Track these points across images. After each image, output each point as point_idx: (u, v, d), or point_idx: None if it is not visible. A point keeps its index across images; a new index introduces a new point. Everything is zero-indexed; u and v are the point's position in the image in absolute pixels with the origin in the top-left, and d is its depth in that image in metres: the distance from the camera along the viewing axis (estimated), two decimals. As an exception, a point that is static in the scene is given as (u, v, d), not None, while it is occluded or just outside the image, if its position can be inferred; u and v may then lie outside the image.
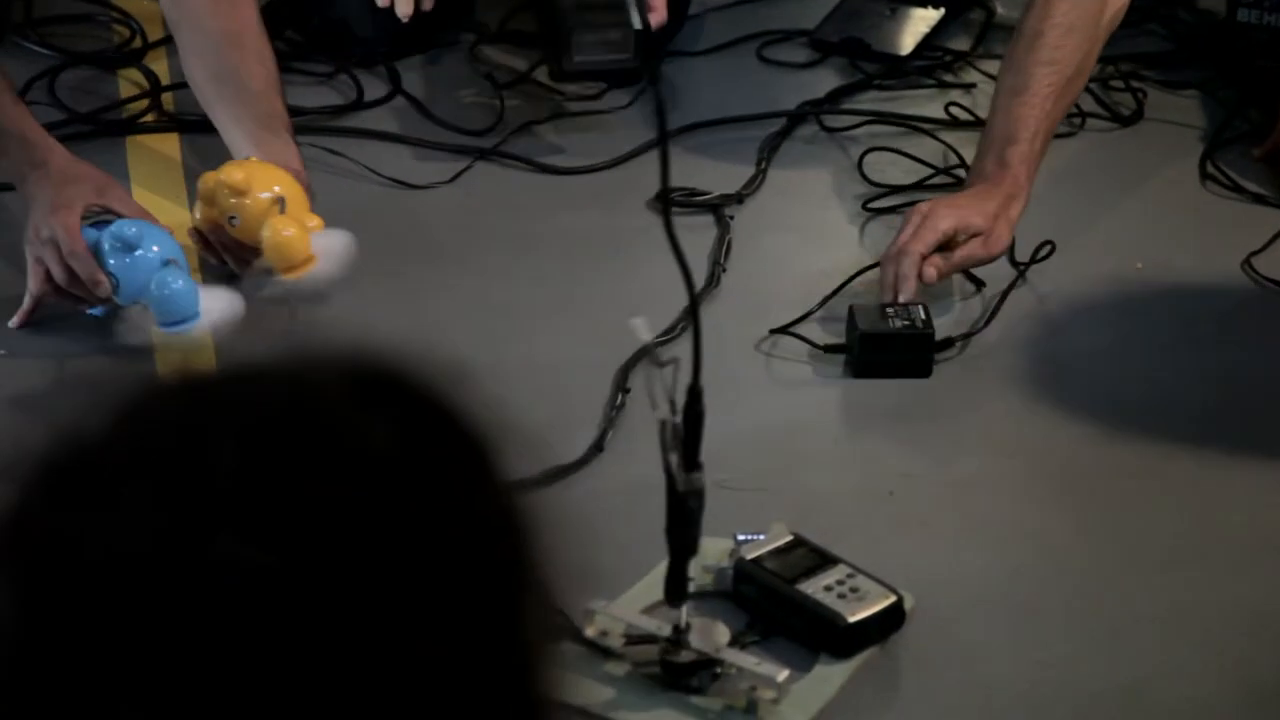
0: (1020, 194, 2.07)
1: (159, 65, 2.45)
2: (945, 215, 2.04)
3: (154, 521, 0.71)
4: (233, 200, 1.99)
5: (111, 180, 1.99)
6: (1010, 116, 2.09)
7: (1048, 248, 2.12)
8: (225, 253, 2.03)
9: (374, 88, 2.46)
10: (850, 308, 1.99)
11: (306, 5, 2.52)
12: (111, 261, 1.92)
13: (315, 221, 1.99)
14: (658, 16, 2.28)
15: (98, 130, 2.33)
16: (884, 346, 1.96)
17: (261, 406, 0.74)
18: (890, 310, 1.98)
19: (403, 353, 0.77)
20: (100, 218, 1.96)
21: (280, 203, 1.99)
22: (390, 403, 0.75)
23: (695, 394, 1.51)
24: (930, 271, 2.02)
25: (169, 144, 2.32)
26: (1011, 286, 2.09)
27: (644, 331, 1.55)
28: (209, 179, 2.01)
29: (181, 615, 0.70)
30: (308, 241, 1.99)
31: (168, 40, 2.46)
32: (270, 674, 0.70)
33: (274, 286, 1.99)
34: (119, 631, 0.70)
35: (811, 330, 2.02)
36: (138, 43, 2.50)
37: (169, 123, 2.35)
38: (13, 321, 1.96)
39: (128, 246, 1.91)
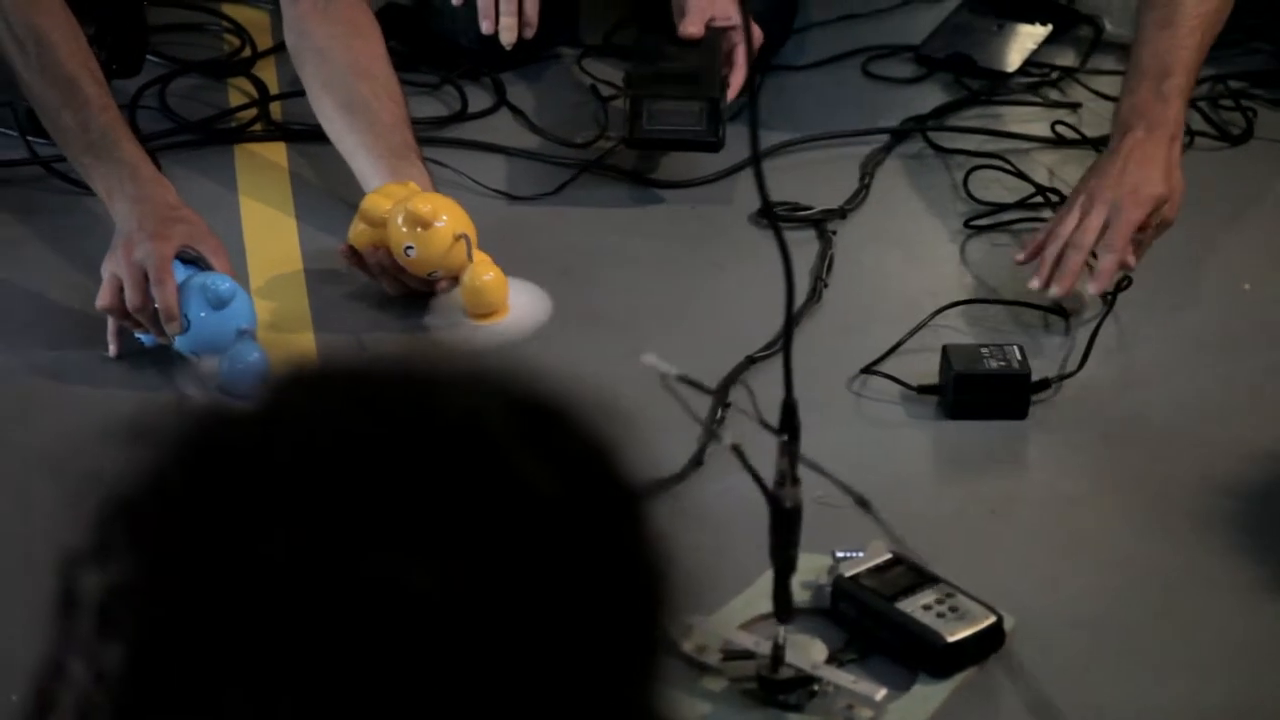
0: (1180, 133, 2.04)
1: (268, 74, 2.48)
2: (1132, 205, 1.99)
3: (307, 531, 0.71)
4: (415, 231, 1.98)
5: (210, 232, 1.99)
6: (1161, 49, 2.05)
7: (1128, 281, 2.07)
8: (381, 274, 2.03)
9: (479, 99, 2.47)
10: (944, 348, 1.96)
11: (413, 16, 2.54)
12: (192, 308, 1.91)
13: (494, 273, 2.00)
14: (732, 91, 2.28)
15: (207, 139, 2.36)
16: (979, 387, 1.93)
17: (428, 425, 0.74)
18: (985, 350, 1.96)
19: (561, 383, 0.78)
20: (191, 259, 1.95)
21: (465, 241, 2.00)
22: (553, 436, 0.76)
23: (790, 409, 1.50)
24: (1130, 260, 1.99)
25: (276, 153, 2.34)
26: (1103, 320, 2.04)
27: (661, 366, 1.54)
28: (380, 203, 2.01)
29: (327, 628, 0.70)
30: (506, 292, 2.01)
31: (277, 49, 2.48)
32: (406, 694, 0.70)
33: (461, 328, 2.00)
34: (266, 635, 0.70)
35: (905, 364, 1.99)
36: (247, 52, 2.52)
37: (276, 131, 2.37)
38: (110, 351, 1.95)
39: (216, 301, 1.90)
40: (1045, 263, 2.01)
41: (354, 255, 2.03)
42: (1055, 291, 2.00)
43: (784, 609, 1.55)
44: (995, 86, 2.51)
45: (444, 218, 2.00)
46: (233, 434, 0.74)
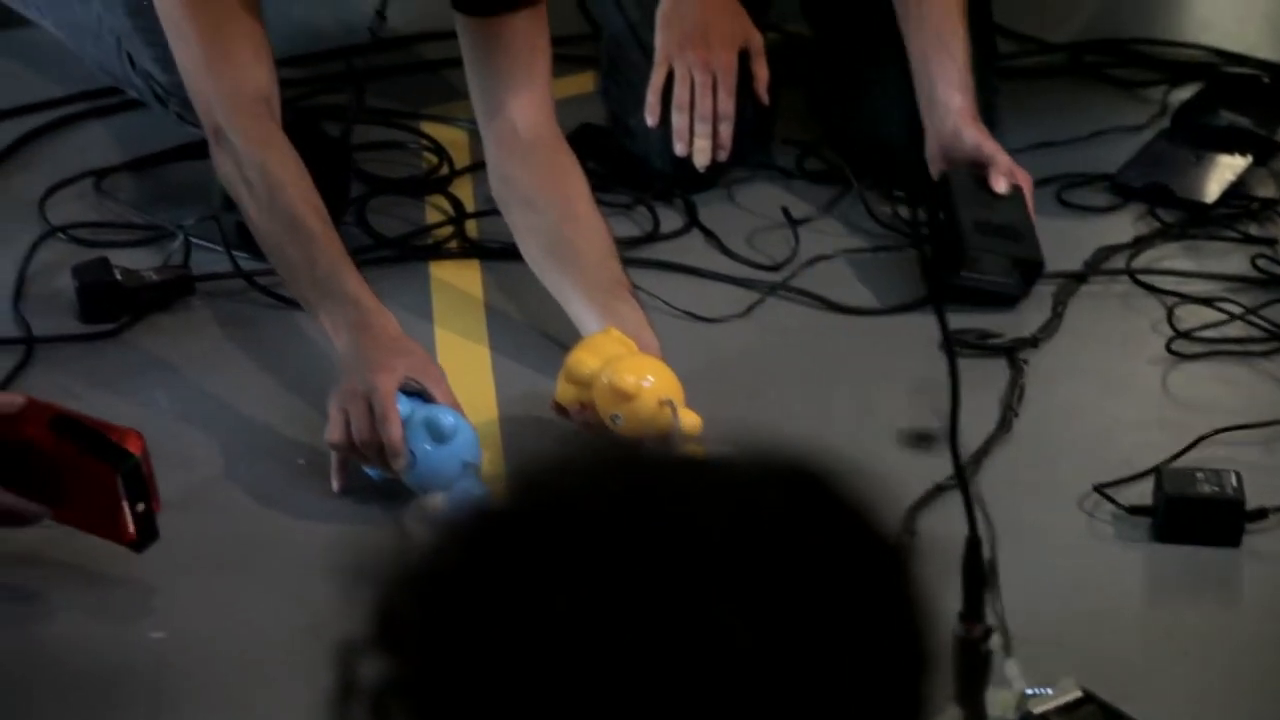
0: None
1: (464, 192, 2.51)
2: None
3: (647, 586, 0.72)
4: (621, 403, 1.97)
5: (433, 362, 2.01)
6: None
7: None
8: (587, 430, 2.03)
9: (671, 220, 2.48)
10: (1158, 470, 1.94)
11: (607, 137, 2.57)
12: (417, 441, 1.91)
13: (694, 420, 1.99)
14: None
15: (402, 255, 2.39)
16: (1192, 512, 1.91)
17: (704, 500, 0.76)
18: (1200, 474, 1.93)
19: (814, 452, 0.79)
20: (415, 390, 1.96)
21: (671, 408, 1.98)
22: (823, 500, 0.77)
23: (974, 545, 1.48)
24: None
25: (470, 270, 2.37)
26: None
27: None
28: (585, 362, 1.99)
29: (663, 677, 0.71)
30: None
31: (475, 167, 2.52)
32: None
33: None
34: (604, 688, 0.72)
35: (1112, 488, 1.97)
36: (445, 169, 2.56)
37: (471, 249, 2.40)
38: (335, 486, 1.97)
39: (439, 436, 1.91)
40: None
41: (559, 410, 2.03)
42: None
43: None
44: (1193, 218, 2.47)
45: (650, 379, 1.99)
46: (507, 524, 0.75)
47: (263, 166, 2.07)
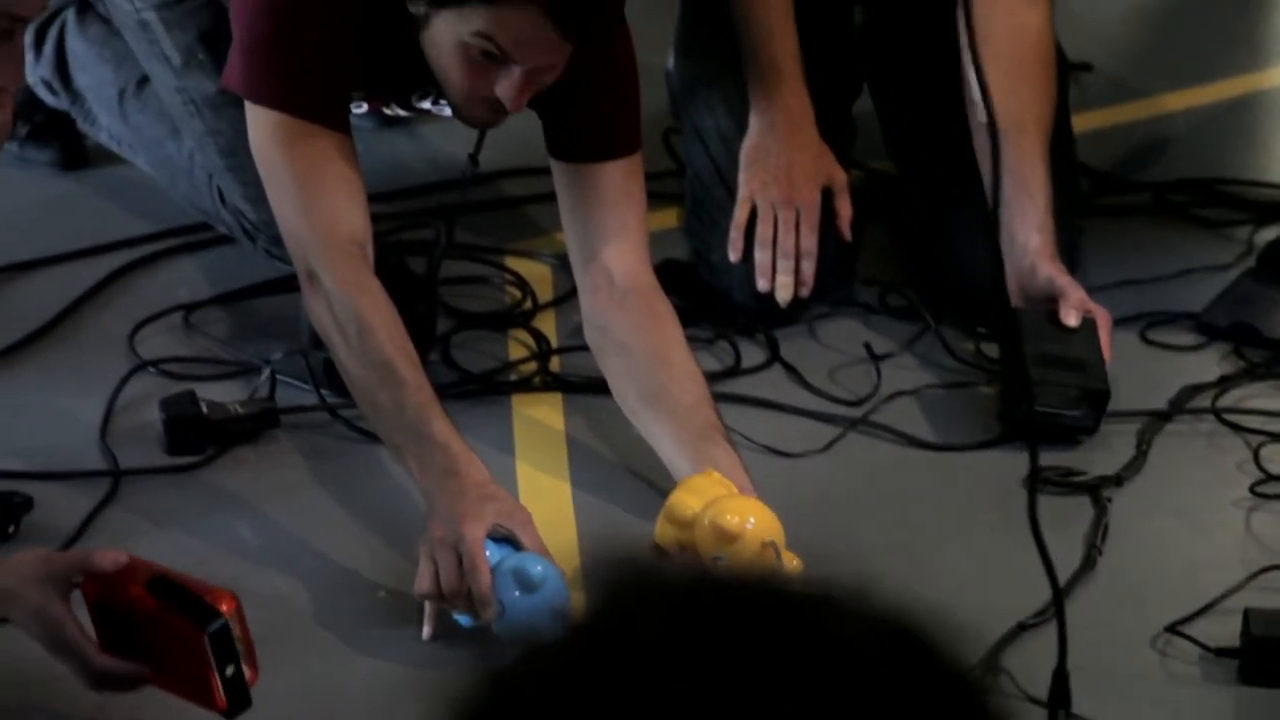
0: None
1: (547, 325, 2.52)
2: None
3: None
4: (723, 544, 1.97)
5: (520, 507, 2.01)
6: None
7: None
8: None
9: (752, 354, 2.49)
10: (1245, 611, 1.92)
11: (690, 272, 2.58)
12: (505, 591, 1.91)
13: (796, 563, 1.98)
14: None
15: (485, 390, 2.40)
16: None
17: (855, 659, 0.76)
18: None
19: (899, 600, 0.78)
20: (503, 536, 1.96)
21: (773, 549, 1.98)
22: (918, 653, 0.76)
23: (1061, 678, 1.47)
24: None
25: (553, 404, 2.38)
26: None
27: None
28: (687, 503, 1.99)
29: None
30: None
31: (558, 302, 2.53)
32: None
33: None
34: None
35: (1197, 628, 1.95)
36: (528, 304, 2.58)
37: (554, 384, 2.41)
38: (425, 634, 1.96)
39: (528, 585, 1.90)
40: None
41: (661, 555, 2.03)
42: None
43: None
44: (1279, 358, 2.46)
45: (752, 520, 1.98)
46: (595, 674, 0.74)
47: (355, 311, 2.09)
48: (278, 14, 2.16)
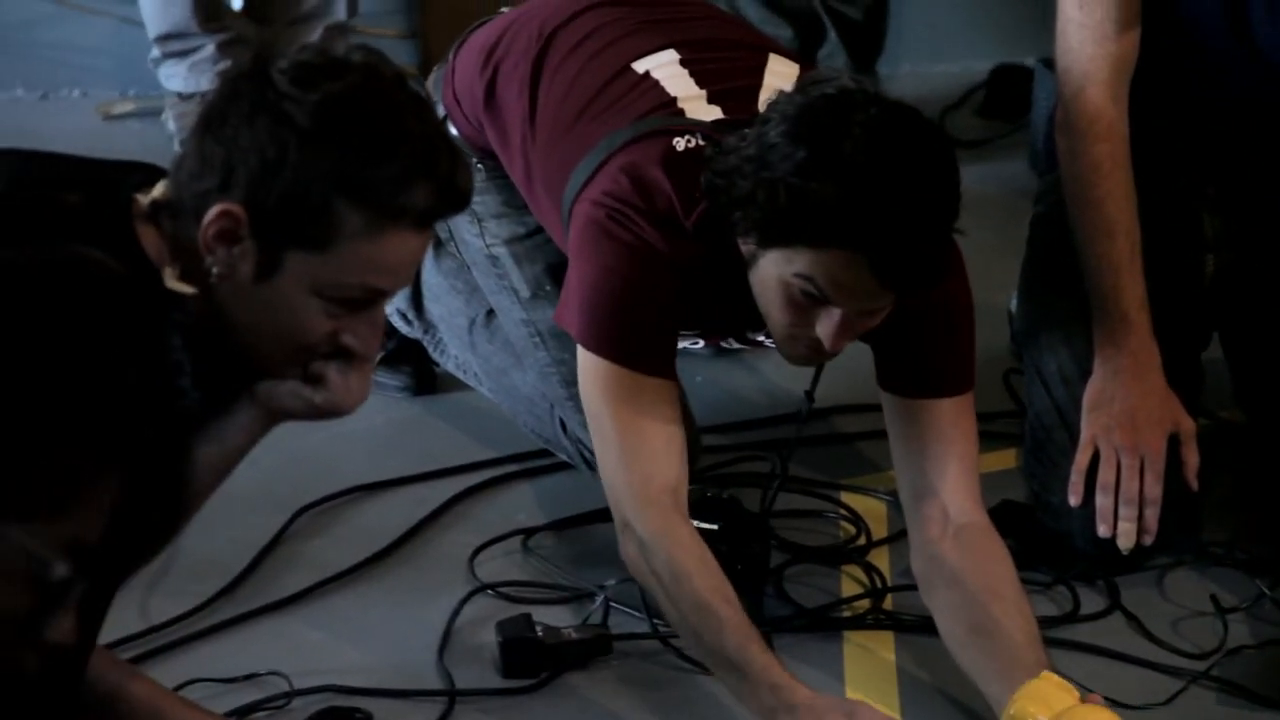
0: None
1: (881, 562, 2.50)
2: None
3: None
4: None
5: (853, 702, 2.02)
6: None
7: None
8: None
9: (1091, 601, 2.43)
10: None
11: (1028, 515, 2.54)
12: None
13: None
14: None
15: (818, 624, 2.39)
16: None
17: None
18: None
19: None
20: None
21: None
22: None
23: None
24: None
25: (885, 643, 2.35)
26: None
27: None
28: (1030, 712, 1.99)
29: None
30: None
31: (892, 539, 2.51)
32: None
33: None
34: None
35: None
36: (862, 540, 2.56)
37: (887, 621, 2.39)
38: None
39: None
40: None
41: None
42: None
43: None
44: None
45: None
46: None
47: (667, 557, 2.14)
48: (619, 273, 2.21)
